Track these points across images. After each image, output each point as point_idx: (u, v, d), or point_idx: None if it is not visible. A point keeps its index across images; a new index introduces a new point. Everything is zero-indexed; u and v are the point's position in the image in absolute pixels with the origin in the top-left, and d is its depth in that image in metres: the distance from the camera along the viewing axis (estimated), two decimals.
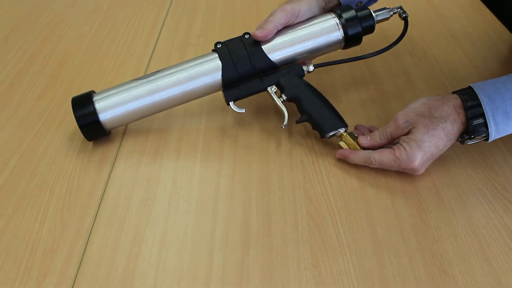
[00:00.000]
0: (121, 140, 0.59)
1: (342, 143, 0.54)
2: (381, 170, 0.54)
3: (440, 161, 0.55)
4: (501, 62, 0.72)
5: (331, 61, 0.58)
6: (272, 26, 0.54)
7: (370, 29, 0.57)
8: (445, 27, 0.78)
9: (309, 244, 0.47)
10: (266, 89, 0.56)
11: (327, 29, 0.56)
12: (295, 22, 0.56)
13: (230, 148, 0.57)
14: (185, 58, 0.72)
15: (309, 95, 0.55)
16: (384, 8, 0.58)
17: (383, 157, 0.51)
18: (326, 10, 0.59)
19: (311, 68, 0.57)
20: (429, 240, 0.47)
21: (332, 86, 0.66)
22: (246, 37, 0.56)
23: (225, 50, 0.55)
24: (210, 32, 0.79)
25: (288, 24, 0.55)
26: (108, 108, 0.54)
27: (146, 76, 0.56)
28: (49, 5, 0.88)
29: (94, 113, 0.53)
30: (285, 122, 0.55)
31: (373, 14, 0.57)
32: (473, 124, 0.47)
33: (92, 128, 0.54)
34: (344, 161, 0.55)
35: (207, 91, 0.56)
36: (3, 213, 0.50)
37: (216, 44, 0.56)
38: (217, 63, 0.54)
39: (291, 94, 0.55)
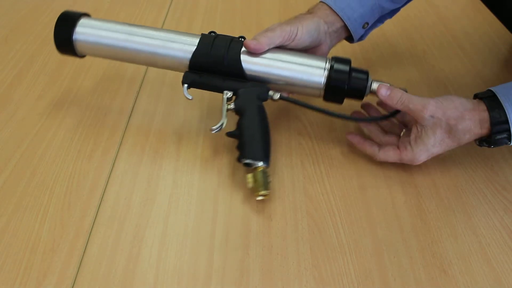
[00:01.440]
0: (121, 140, 0.59)
1: (249, 176, 0.49)
2: (382, 170, 0.54)
3: (440, 161, 0.55)
4: (501, 62, 0.72)
5: (300, 102, 0.53)
6: (266, 42, 0.51)
7: (356, 94, 0.52)
8: (445, 28, 0.78)
9: (309, 244, 0.47)
10: (222, 91, 0.53)
11: (311, 69, 0.52)
12: (291, 45, 0.53)
13: (230, 148, 0.57)
14: None
15: (254, 115, 0.52)
16: (384, 83, 0.52)
17: (388, 157, 0.51)
18: (329, 34, 0.57)
19: (277, 96, 0.53)
20: (429, 240, 0.47)
21: None
22: (238, 39, 0.54)
23: (209, 39, 0.54)
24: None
25: (283, 45, 0.53)
26: (87, 27, 0.56)
27: (137, 25, 0.56)
28: (49, 5, 0.88)
29: (73, 24, 0.55)
30: (216, 127, 0.52)
31: (369, 81, 0.52)
32: (496, 138, 0.47)
33: (63, 34, 0.55)
34: (344, 161, 0.55)
35: (173, 64, 0.55)
36: (3, 213, 0.50)
37: (210, 32, 0.55)
38: (195, 44, 0.53)
39: (239, 105, 0.52)
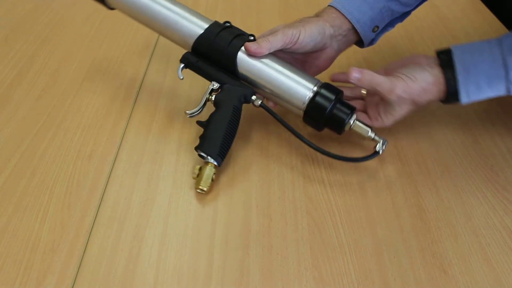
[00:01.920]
0: (121, 140, 0.59)
1: (197, 167, 0.51)
2: (381, 170, 0.54)
3: (440, 161, 0.55)
4: None
5: (277, 116, 0.53)
6: (267, 47, 0.52)
7: (335, 126, 0.52)
8: (445, 28, 0.78)
9: (309, 244, 0.47)
10: (211, 81, 0.54)
11: (298, 86, 0.52)
12: (292, 48, 0.53)
13: (230, 149, 0.57)
14: None
15: (227, 113, 0.52)
16: (372, 129, 0.52)
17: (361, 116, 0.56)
18: (336, 38, 0.56)
19: (258, 103, 0.53)
20: (429, 240, 0.47)
21: None
22: (246, 36, 0.55)
23: (217, 28, 0.54)
24: None
25: (285, 48, 0.53)
26: None
27: None
28: (49, 5, 0.88)
29: None
30: (190, 112, 0.54)
31: (351, 119, 0.52)
32: (450, 102, 0.51)
33: None
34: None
35: (179, 41, 0.56)
36: (3, 213, 0.50)
37: (225, 22, 0.55)
38: (204, 28, 0.54)
39: (219, 98, 0.53)
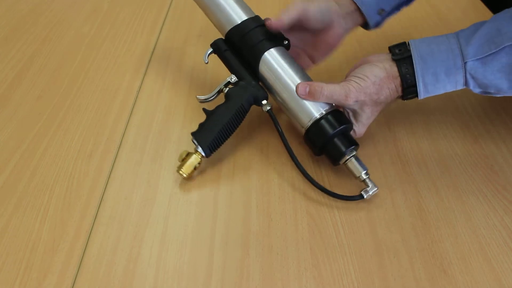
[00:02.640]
0: (121, 140, 0.59)
1: (184, 152, 0.52)
2: (381, 170, 0.54)
3: (440, 161, 0.55)
4: None
5: (280, 131, 0.52)
6: (285, 18, 0.53)
7: (331, 154, 0.51)
8: (446, 29, 0.78)
9: (309, 244, 0.47)
10: (231, 73, 0.55)
11: (308, 105, 0.51)
12: (307, 22, 0.54)
13: (230, 148, 0.57)
14: (185, 58, 0.73)
15: (231, 109, 0.53)
16: (367, 172, 0.50)
17: None
18: (343, 16, 0.56)
19: (267, 108, 0.53)
20: (429, 240, 0.47)
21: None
22: (281, 41, 0.55)
23: (252, 24, 0.54)
24: (210, 32, 0.79)
25: (300, 23, 0.54)
26: None
27: None
28: (49, 5, 0.88)
29: None
30: (201, 97, 0.55)
31: (349, 153, 0.50)
32: (407, 97, 0.51)
33: None
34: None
35: (218, 25, 0.57)
36: (3, 213, 0.50)
37: (265, 18, 0.55)
38: (242, 19, 0.54)
39: (230, 93, 0.54)
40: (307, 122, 0.51)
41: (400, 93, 0.50)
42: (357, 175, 0.50)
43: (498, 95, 0.48)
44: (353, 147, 0.50)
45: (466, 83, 0.47)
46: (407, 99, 0.51)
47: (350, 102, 0.50)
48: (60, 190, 0.53)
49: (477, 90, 0.48)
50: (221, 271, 0.45)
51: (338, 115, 0.51)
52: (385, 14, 0.58)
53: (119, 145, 0.58)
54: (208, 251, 0.46)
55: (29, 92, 0.67)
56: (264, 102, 0.54)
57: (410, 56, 0.49)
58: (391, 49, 0.51)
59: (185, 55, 0.74)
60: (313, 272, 0.45)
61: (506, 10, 0.48)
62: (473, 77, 0.47)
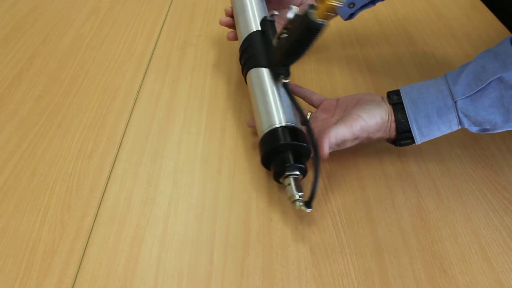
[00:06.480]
0: (121, 140, 0.59)
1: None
2: (381, 170, 0.54)
3: (440, 161, 0.55)
4: None
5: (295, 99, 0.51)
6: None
7: (274, 167, 0.49)
8: (444, 27, 0.78)
9: (309, 244, 0.47)
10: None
11: (276, 113, 0.50)
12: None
13: (230, 148, 0.57)
14: (185, 58, 0.73)
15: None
16: (299, 193, 0.46)
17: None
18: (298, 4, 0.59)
19: (286, 81, 0.51)
20: (429, 240, 0.47)
21: (332, 86, 0.66)
22: (261, 60, 0.54)
23: (252, 40, 0.56)
24: (210, 32, 0.79)
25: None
26: None
27: None
28: (49, 5, 0.88)
29: None
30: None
31: (292, 173, 0.47)
32: (401, 143, 0.51)
33: None
34: (344, 162, 0.55)
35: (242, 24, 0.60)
36: (3, 213, 0.50)
37: (271, 14, 0.57)
38: (256, 27, 0.57)
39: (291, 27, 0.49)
40: (267, 128, 0.49)
41: (392, 137, 0.51)
42: (289, 194, 0.47)
43: (496, 131, 0.48)
44: (300, 170, 0.47)
45: (460, 122, 0.47)
46: (401, 145, 0.51)
47: (353, 137, 0.50)
48: (60, 190, 0.53)
49: (473, 129, 0.48)
50: (221, 271, 0.45)
51: (296, 131, 0.49)
52: (358, 8, 0.59)
53: (119, 145, 0.58)
54: (208, 251, 0.46)
55: (29, 92, 0.67)
56: (283, 76, 0.52)
57: (402, 102, 0.50)
58: (389, 94, 0.51)
59: (185, 55, 0.74)
60: (313, 272, 0.45)
61: (488, 49, 0.49)
62: (466, 115, 0.47)
